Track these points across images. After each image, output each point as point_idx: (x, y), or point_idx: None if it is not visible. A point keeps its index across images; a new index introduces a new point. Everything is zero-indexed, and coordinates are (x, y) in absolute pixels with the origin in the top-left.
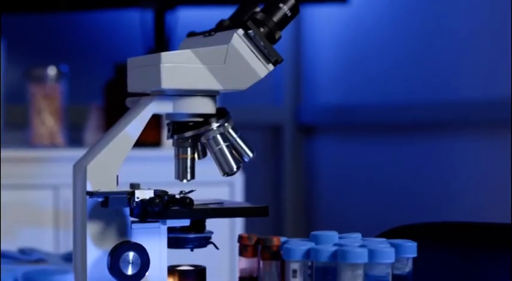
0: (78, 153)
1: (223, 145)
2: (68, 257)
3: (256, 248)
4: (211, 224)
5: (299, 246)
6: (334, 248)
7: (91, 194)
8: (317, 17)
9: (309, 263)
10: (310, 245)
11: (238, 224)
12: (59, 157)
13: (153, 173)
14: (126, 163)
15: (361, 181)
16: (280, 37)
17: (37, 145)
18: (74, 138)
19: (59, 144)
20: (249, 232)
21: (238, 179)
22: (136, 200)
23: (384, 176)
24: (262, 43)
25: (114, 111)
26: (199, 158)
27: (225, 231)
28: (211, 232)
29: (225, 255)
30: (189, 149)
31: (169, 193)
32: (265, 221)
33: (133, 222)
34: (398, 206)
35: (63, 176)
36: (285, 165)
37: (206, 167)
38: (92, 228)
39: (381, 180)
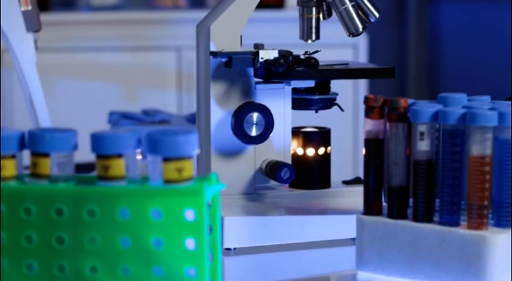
0: (200, 14)
1: (349, 4)
2: (191, 119)
3: (382, 110)
4: (334, 86)
5: (427, 108)
6: (463, 111)
7: (214, 54)
8: None
9: (437, 126)
10: (438, 107)
11: (361, 86)
12: (181, 19)
13: (276, 34)
14: (249, 24)
15: (486, 44)
16: None
17: (160, 6)
18: None
19: (182, 6)
20: (372, 94)
21: (363, 41)
22: (260, 60)
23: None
24: None
25: None
26: (324, 18)
27: (348, 93)
28: (336, 94)
29: (348, 117)
30: (314, 9)
31: (293, 54)
32: (388, 85)
33: (257, 83)
34: None
35: (186, 37)
36: (409, 27)
37: (330, 28)
38: (216, 89)
39: (508, 43)
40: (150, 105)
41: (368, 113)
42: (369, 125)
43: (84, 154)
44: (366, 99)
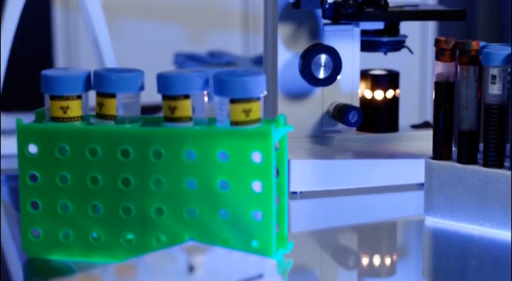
0: None
1: None
2: (257, 60)
3: (453, 53)
4: (402, 28)
5: (499, 51)
6: None
7: None
8: None
9: (509, 69)
10: (510, 50)
11: (429, 29)
12: None
13: None
14: None
15: None
16: None
17: None
18: None
19: None
20: (443, 36)
21: None
22: (329, 1)
23: None
24: None
25: None
26: None
27: (415, 36)
28: (405, 36)
29: (415, 60)
30: None
31: None
32: (456, 28)
33: (325, 24)
34: None
35: None
36: None
37: None
38: (283, 30)
39: None
40: (216, 47)
41: (439, 56)
42: (440, 68)
43: (150, 96)
44: (437, 42)
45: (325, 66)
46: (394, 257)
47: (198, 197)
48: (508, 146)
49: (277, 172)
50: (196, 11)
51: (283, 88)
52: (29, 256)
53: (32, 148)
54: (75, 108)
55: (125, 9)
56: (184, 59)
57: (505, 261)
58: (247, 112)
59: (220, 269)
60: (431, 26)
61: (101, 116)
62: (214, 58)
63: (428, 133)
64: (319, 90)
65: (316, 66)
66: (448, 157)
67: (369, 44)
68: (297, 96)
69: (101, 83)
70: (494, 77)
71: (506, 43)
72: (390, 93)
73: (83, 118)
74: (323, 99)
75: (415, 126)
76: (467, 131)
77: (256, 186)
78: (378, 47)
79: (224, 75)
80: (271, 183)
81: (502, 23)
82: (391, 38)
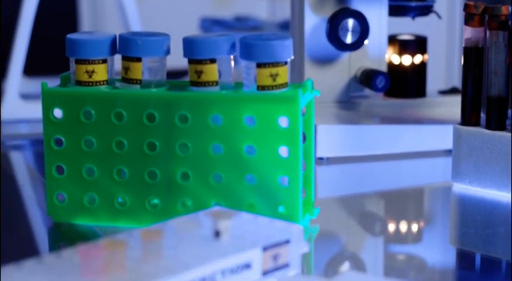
0: None
1: None
2: (283, 25)
3: (483, 18)
4: None
5: None
6: None
7: None
8: None
9: None
10: None
11: None
12: None
13: None
14: None
15: None
16: None
17: None
18: None
19: None
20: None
21: None
22: None
23: None
24: None
25: None
26: None
27: (443, 0)
28: (434, 1)
29: (443, 25)
30: None
31: None
32: None
33: None
34: None
35: None
36: None
37: None
38: None
39: None
40: (242, 12)
41: (468, 21)
42: (468, 33)
43: (176, 60)
44: (466, 7)
45: (352, 30)
46: (421, 223)
47: (224, 162)
48: None
49: (304, 137)
50: None
51: (310, 53)
52: (54, 220)
53: (57, 112)
54: (100, 72)
55: None
56: (210, 24)
57: None
58: (274, 76)
59: (246, 235)
60: None
61: (126, 80)
62: (240, 23)
63: (456, 99)
64: (346, 55)
65: (343, 30)
66: (476, 123)
67: (396, 8)
68: (324, 61)
69: (127, 46)
70: None
71: None
72: (418, 59)
73: (108, 82)
74: (350, 64)
75: (443, 92)
76: (495, 96)
77: (283, 151)
78: (405, 12)
79: (251, 39)
80: (298, 148)
81: None
82: (419, 3)
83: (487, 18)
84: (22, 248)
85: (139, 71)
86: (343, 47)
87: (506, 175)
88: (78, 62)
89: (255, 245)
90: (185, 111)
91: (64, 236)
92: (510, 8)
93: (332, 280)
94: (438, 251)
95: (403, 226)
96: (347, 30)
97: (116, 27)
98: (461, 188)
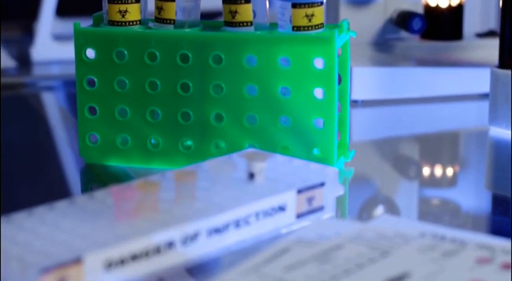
0: None
1: None
2: None
3: None
4: None
5: None
6: None
7: None
8: None
9: None
10: None
11: None
12: None
13: None
14: None
15: None
16: None
17: None
18: None
19: None
20: None
21: None
22: None
23: None
24: None
25: None
26: None
27: None
28: None
29: None
30: None
31: None
32: None
33: None
34: None
35: None
36: None
37: None
38: None
39: None
40: None
41: None
42: None
43: (210, 1)
44: None
45: None
46: (456, 167)
47: (258, 104)
48: None
49: (340, 79)
50: None
51: None
52: (86, 162)
53: (90, 53)
54: (133, 12)
55: None
56: None
57: None
58: (309, 17)
59: (280, 177)
60: None
61: (159, 20)
62: None
63: (494, 42)
64: None
65: None
66: None
67: None
68: (360, 2)
69: None
70: None
71: None
72: (455, 1)
73: (141, 22)
74: (386, 5)
75: (480, 35)
76: None
77: (318, 93)
78: None
79: None
80: (333, 90)
81: None
82: None
83: None
84: (54, 190)
85: (172, 10)
86: None
87: None
88: (111, 1)
89: (289, 187)
90: (219, 51)
91: (96, 178)
92: None
93: (366, 223)
94: (473, 195)
95: (438, 170)
96: None
97: None
98: (498, 132)
